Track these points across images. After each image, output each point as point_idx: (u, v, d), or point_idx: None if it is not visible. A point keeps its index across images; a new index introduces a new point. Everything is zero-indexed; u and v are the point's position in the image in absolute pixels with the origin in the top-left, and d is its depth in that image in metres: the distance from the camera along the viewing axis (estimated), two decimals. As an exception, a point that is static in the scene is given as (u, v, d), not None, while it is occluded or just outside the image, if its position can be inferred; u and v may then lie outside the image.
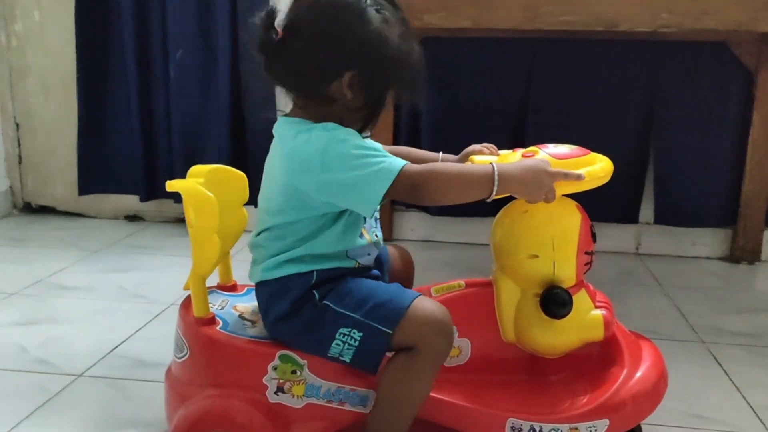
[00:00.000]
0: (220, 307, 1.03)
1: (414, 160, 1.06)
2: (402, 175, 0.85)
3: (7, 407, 1.14)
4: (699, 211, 2.05)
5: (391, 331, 0.88)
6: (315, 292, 0.92)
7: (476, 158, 0.97)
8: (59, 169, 2.37)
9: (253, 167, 2.19)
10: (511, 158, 0.96)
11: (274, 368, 0.93)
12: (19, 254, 1.97)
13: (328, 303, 0.91)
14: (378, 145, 0.94)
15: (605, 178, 0.93)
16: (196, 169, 1.04)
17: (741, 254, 2.02)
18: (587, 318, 0.96)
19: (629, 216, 2.08)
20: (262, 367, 0.93)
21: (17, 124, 2.37)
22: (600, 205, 2.05)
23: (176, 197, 2.23)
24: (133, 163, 2.25)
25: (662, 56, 1.97)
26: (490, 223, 2.28)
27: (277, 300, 0.93)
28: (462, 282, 1.03)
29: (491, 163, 0.88)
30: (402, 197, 0.89)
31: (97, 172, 2.28)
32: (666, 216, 2.08)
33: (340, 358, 0.91)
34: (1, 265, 1.88)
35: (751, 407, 1.19)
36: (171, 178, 2.40)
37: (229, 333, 0.96)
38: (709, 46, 1.94)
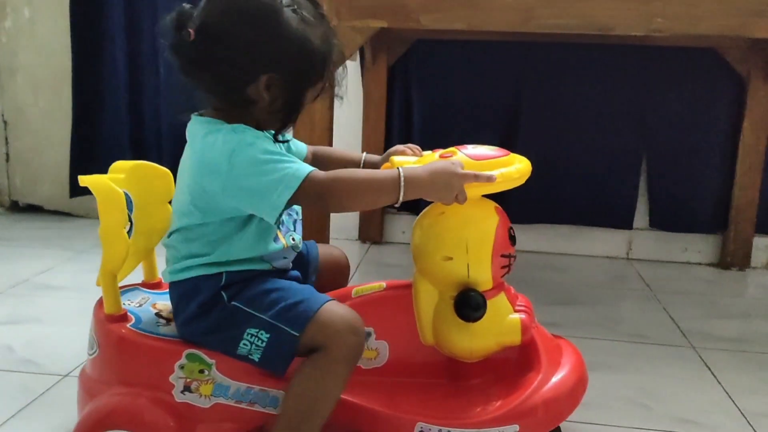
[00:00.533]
0: (138, 305, 1.02)
1: (335, 161, 1.05)
2: (307, 181, 0.84)
3: (-9, 407, 1.12)
4: (690, 217, 2.06)
5: (298, 334, 0.87)
6: (224, 294, 0.91)
7: (396, 159, 0.96)
8: (47, 167, 2.35)
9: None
10: (431, 159, 0.94)
11: (181, 367, 0.92)
12: (5, 253, 1.95)
13: (237, 304, 0.90)
14: (301, 145, 0.98)
15: (520, 180, 0.92)
16: (118, 164, 1.02)
17: (731, 260, 2.02)
18: (504, 322, 0.94)
19: (623, 221, 2.09)
20: (168, 366, 0.91)
21: (5, 122, 2.35)
22: (593, 210, 2.07)
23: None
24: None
25: (654, 62, 1.98)
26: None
27: (186, 301, 0.93)
28: (383, 283, 1.01)
29: (398, 168, 0.87)
30: (308, 204, 0.89)
31: (90, 173, 2.26)
32: (657, 221, 2.09)
33: (249, 357, 0.90)
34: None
35: (741, 412, 1.19)
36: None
37: (139, 330, 0.94)
38: (700, 52, 1.95)
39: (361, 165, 1.06)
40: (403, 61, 2.09)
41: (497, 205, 0.98)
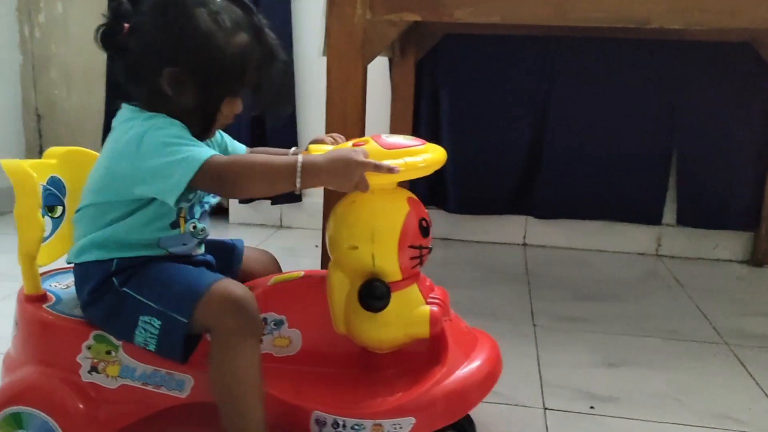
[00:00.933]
0: (66, 286, 1.04)
1: None
2: (207, 164, 0.85)
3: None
4: (721, 214, 2.03)
5: (186, 320, 0.88)
6: (114, 279, 0.92)
7: (312, 147, 0.96)
8: (79, 160, 2.38)
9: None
10: (372, 151, 0.93)
11: (89, 347, 0.94)
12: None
13: (128, 290, 0.91)
14: (240, 146, 1.05)
15: (427, 169, 0.91)
16: (51, 150, 1.04)
17: (763, 257, 2.00)
18: (414, 314, 0.94)
19: (652, 217, 2.07)
20: (76, 346, 0.94)
21: (39, 116, 2.39)
22: (622, 205, 2.05)
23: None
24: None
25: (686, 57, 1.96)
26: (511, 221, 2.27)
27: (82, 285, 0.95)
28: (302, 272, 1.01)
29: (297, 154, 0.88)
30: (209, 188, 0.90)
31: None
32: (688, 218, 2.07)
33: (147, 346, 0.91)
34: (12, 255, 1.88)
35: (777, 410, 1.18)
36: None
37: (54, 311, 0.97)
38: (734, 46, 1.92)
39: None
40: (431, 56, 2.09)
41: (412, 196, 0.97)
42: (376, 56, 1.38)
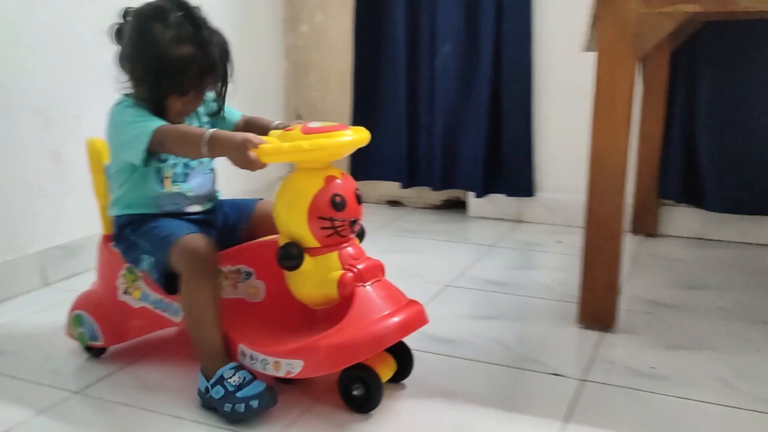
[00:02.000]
0: None
1: (253, 124, 1.29)
2: (154, 134, 1.12)
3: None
4: None
5: (165, 259, 1.15)
6: (128, 228, 1.22)
7: (274, 132, 1.12)
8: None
9: (508, 155, 2.23)
10: (291, 135, 1.08)
11: (123, 275, 1.27)
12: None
13: (134, 238, 1.21)
14: (235, 113, 1.31)
15: (313, 153, 1.05)
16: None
17: None
18: (327, 277, 1.09)
19: None
20: (116, 273, 1.28)
21: (299, 116, 2.63)
22: None
23: (435, 185, 2.34)
24: (397, 152, 2.38)
25: None
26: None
27: (114, 231, 1.27)
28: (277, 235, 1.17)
29: (277, 128, 1.08)
30: (162, 150, 1.15)
31: (367, 161, 2.38)
32: None
33: (151, 276, 1.20)
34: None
35: None
36: (429, 167, 2.46)
37: (113, 247, 1.27)
38: None
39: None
40: (689, 45, 1.97)
41: (335, 174, 1.11)
42: (647, 50, 1.34)
